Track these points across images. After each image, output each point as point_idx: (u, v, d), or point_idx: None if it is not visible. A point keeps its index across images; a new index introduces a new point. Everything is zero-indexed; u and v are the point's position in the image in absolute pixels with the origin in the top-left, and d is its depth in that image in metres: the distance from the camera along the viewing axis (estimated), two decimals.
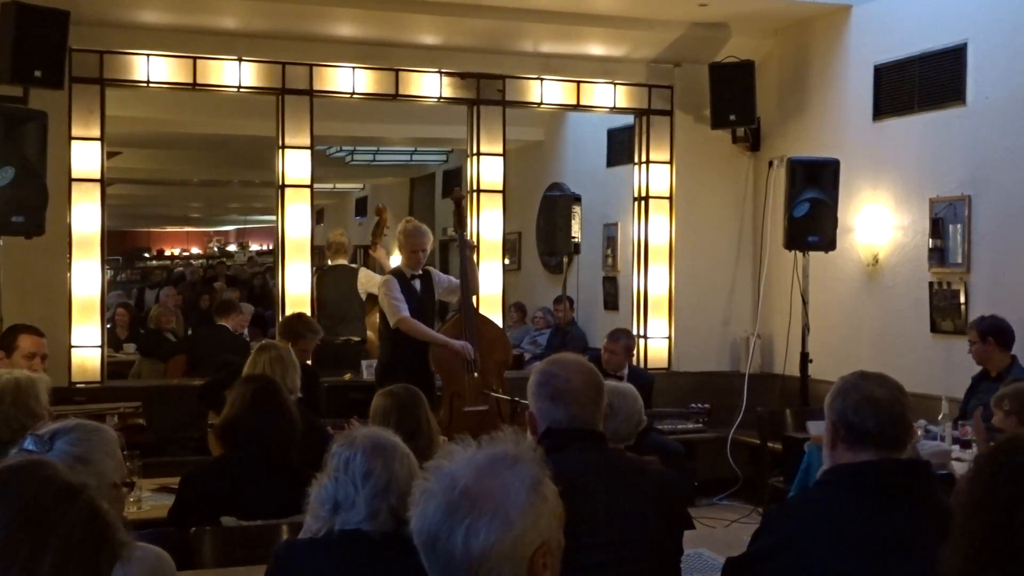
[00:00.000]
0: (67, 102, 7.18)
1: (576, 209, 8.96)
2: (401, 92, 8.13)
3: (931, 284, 7.15)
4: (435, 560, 1.64)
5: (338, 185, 18.39)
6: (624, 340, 7.35)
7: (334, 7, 7.65)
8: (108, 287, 8.24)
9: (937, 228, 7.07)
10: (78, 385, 7.27)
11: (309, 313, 7.43)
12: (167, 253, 29.11)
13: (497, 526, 1.61)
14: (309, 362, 6.96)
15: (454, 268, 10.58)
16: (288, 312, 7.26)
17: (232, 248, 28.13)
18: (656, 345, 8.83)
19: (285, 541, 3.17)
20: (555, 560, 1.68)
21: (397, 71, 8.06)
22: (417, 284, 6.67)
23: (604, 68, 8.61)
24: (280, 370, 5.00)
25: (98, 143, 7.40)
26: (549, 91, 8.51)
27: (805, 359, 7.61)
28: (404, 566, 2.55)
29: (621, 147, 10.07)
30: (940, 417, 5.95)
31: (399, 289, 6.55)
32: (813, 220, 7.40)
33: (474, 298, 6.95)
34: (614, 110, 8.85)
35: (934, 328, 7.14)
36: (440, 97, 8.22)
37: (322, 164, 11.35)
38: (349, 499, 2.60)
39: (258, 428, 3.87)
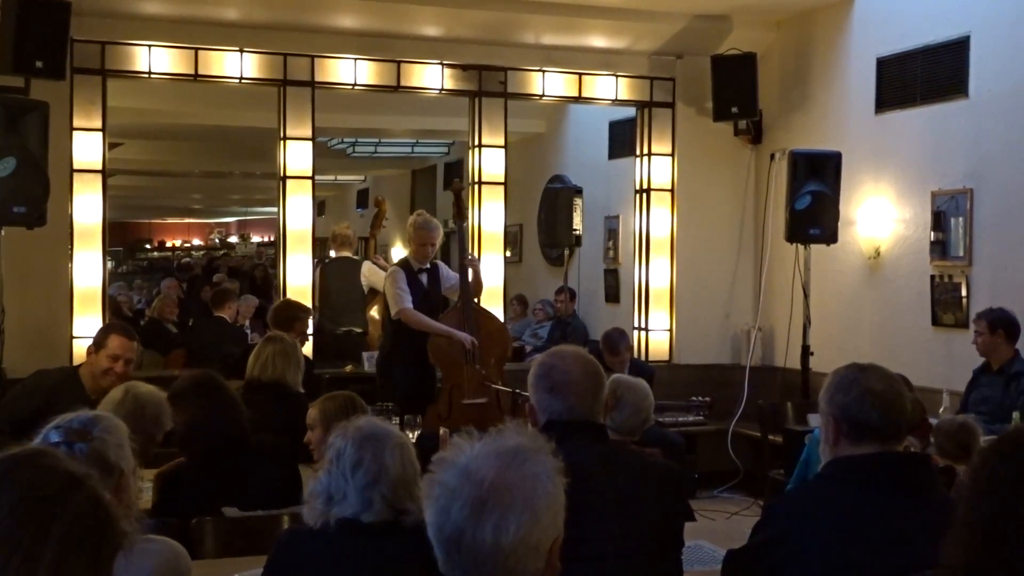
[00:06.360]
0: (68, 93, 7.17)
1: (577, 201, 8.96)
2: (403, 84, 8.12)
3: (932, 277, 7.14)
4: (460, 556, 1.63)
5: (339, 177, 18.36)
6: (624, 343, 7.36)
7: None
8: (109, 278, 8.22)
9: (939, 221, 7.06)
10: None
11: (311, 305, 7.44)
12: (168, 244, 29.12)
13: (527, 518, 1.61)
14: (309, 352, 6.99)
15: (454, 261, 10.57)
16: None
17: (233, 240, 28.13)
18: (657, 338, 8.82)
19: (287, 530, 3.18)
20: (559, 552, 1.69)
21: (399, 63, 8.05)
22: (424, 278, 6.67)
23: (606, 60, 8.59)
24: (282, 364, 4.97)
25: (99, 134, 7.38)
26: (551, 83, 8.49)
27: (806, 352, 7.60)
28: (400, 554, 2.57)
29: (623, 139, 10.05)
30: (941, 411, 5.95)
31: (405, 281, 6.56)
32: (815, 213, 7.39)
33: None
34: (616, 102, 8.83)
35: (935, 321, 7.13)
36: (442, 89, 8.21)
37: (323, 156, 11.34)
38: (340, 491, 2.62)
39: (213, 426, 3.79)
